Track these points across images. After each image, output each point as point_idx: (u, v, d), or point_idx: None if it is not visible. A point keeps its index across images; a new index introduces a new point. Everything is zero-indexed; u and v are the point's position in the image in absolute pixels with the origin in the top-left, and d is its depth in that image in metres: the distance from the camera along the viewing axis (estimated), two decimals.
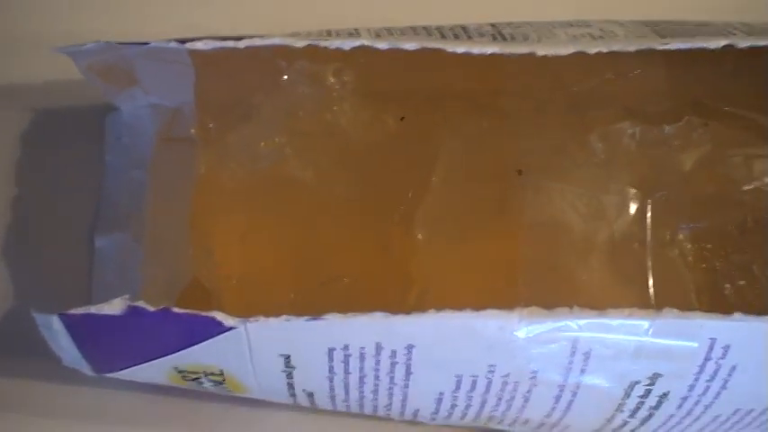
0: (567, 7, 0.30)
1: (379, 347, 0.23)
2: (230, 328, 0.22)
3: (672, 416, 0.26)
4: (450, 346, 0.23)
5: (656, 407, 0.25)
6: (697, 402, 0.25)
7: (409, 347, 0.23)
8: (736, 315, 0.22)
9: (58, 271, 0.31)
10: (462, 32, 0.25)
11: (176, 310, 0.22)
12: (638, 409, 0.25)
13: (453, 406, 0.26)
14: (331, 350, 0.23)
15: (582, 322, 0.23)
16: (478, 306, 0.23)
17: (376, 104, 0.27)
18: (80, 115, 0.32)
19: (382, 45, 0.23)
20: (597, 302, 0.23)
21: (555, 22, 0.26)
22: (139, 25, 0.33)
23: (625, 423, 0.26)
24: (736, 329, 0.23)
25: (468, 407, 0.26)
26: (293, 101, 0.27)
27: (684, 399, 0.25)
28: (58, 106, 0.33)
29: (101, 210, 0.30)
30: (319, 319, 0.22)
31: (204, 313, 0.22)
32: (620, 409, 0.25)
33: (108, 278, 0.30)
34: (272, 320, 0.22)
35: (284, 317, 0.22)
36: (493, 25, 0.26)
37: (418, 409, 0.26)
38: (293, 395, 0.26)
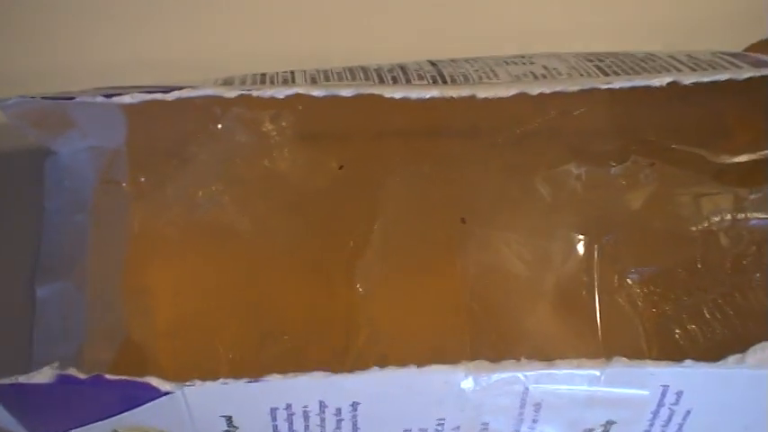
0: (512, 40, 0.29)
1: (323, 405, 0.22)
2: (167, 393, 0.22)
3: None
4: (396, 401, 0.22)
5: None
6: None
7: (354, 405, 0.22)
8: (687, 362, 0.22)
9: None
10: (401, 74, 0.24)
11: (109, 376, 0.21)
12: None
13: None
14: (273, 410, 0.22)
15: (530, 374, 0.22)
16: (426, 355, 0.22)
17: (315, 149, 0.26)
18: (19, 158, 0.31)
19: (318, 92, 0.22)
20: (545, 351, 0.22)
21: (498, 57, 0.26)
22: (79, 55, 0.32)
23: None
24: (687, 376, 0.22)
25: None
26: (230, 148, 0.26)
27: None
28: None
29: (41, 257, 0.29)
30: (259, 381, 0.21)
31: (138, 379, 0.21)
32: None
33: (51, 330, 0.28)
34: (210, 384, 0.21)
35: (222, 380, 0.21)
36: (433, 64, 0.25)
37: None
38: None
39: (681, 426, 0.23)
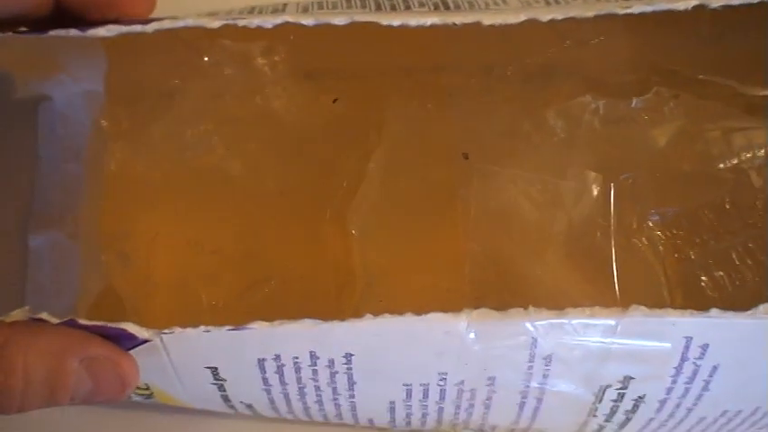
0: None
1: (314, 356, 0.21)
2: (145, 341, 0.20)
3: (652, 419, 0.23)
4: (393, 353, 0.21)
5: (633, 410, 0.23)
6: (678, 405, 0.22)
7: (348, 356, 0.21)
8: (713, 311, 0.20)
9: None
10: (401, 2, 0.22)
11: (83, 321, 0.20)
12: (613, 413, 0.23)
13: (408, 414, 0.23)
14: (261, 361, 0.21)
15: (539, 323, 0.20)
16: (424, 306, 0.20)
17: (311, 85, 0.24)
18: (11, 103, 0.30)
19: (308, 21, 0.21)
20: (556, 300, 0.21)
21: None
22: None
23: (602, 427, 0.24)
24: (714, 327, 0.20)
25: (425, 415, 0.23)
26: (219, 84, 0.24)
27: (663, 401, 0.22)
28: None
29: (35, 207, 0.28)
30: (243, 329, 0.20)
31: (113, 325, 0.20)
32: (592, 413, 0.23)
33: (42, 280, 0.27)
34: (190, 331, 0.20)
35: (203, 327, 0.20)
36: None
37: (372, 419, 0.24)
38: (232, 407, 0.23)
39: (707, 383, 0.21)
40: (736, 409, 0.23)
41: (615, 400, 0.22)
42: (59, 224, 0.27)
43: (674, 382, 0.22)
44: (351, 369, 0.21)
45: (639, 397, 0.22)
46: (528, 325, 0.20)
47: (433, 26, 0.21)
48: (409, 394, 0.22)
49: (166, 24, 0.21)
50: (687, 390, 0.22)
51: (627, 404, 0.22)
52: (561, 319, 0.20)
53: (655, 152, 0.24)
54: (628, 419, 0.23)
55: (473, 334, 0.20)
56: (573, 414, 0.23)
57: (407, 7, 0.22)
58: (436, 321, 0.20)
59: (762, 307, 0.20)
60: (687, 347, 0.21)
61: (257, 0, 0.24)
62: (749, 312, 0.20)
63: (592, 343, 0.21)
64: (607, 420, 0.23)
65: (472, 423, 0.24)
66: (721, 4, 0.21)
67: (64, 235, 0.27)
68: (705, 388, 0.22)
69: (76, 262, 0.27)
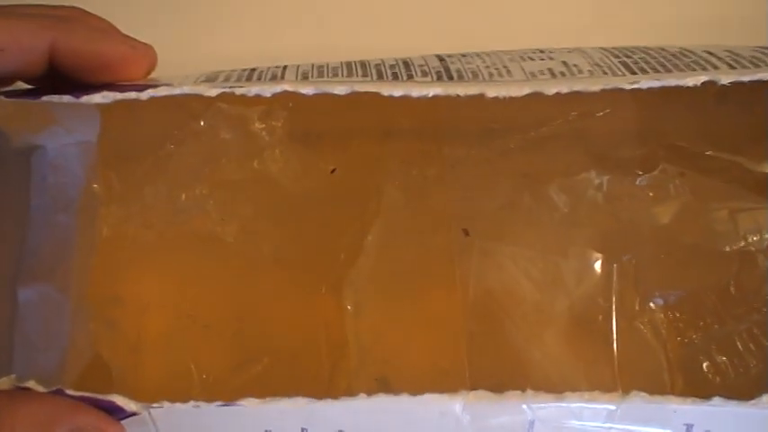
0: (535, 30, 0.27)
1: None
2: (132, 414, 0.20)
3: None
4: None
5: None
6: None
7: None
8: (716, 399, 0.19)
9: None
10: (403, 70, 0.22)
11: (70, 392, 0.20)
12: None
13: None
14: None
15: (536, 406, 0.20)
16: (420, 384, 0.20)
17: (310, 150, 0.24)
18: (3, 154, 0.29)
19: (307, 90, 0.20)
20: (554, 382, 0.20)
21: (513, 51, 0.23)
22: None
23: None
24: (715, 415, 0.20)
25: None
26: (215, 147, 0.24)
27: None
28: None
29: (25, 259, 0.28)
30: (234, 405, 0.20)
31: (102, 397, 0.20)
32: None
33: (31, 333, 0.27)
34: (180, 406, 0.20)
35: (192, 402, 0.19)
36: (441, 59, 0.22)
37: None
38: None
39: None
40: None
41: None
42: (49, 277, 0.27)
43: None
44: None
45: None
46: (525, 407, 0.20)
47: (435, 97, 0.21)
48: None
49: (162, 92, 0.20)
50: None
51: None
52: (559, 403, 0.20)
53: (658, 230, 0.23)
54: None
55: (469, 415, 0.20)
56: None
57: (410, 76, 0.22)
58: (432, 402, 0.20)
59: (765, 397, 0.19)
60: None
61: (256, 58, 0.23)
62: (752, 402, 0.19)
63: (591, 427, 0.20)
64: None
65: None
66: (731, 80, 0.20)
67: (54, 288, 0.27)
68: None
69: (66, 316, 0.26)
